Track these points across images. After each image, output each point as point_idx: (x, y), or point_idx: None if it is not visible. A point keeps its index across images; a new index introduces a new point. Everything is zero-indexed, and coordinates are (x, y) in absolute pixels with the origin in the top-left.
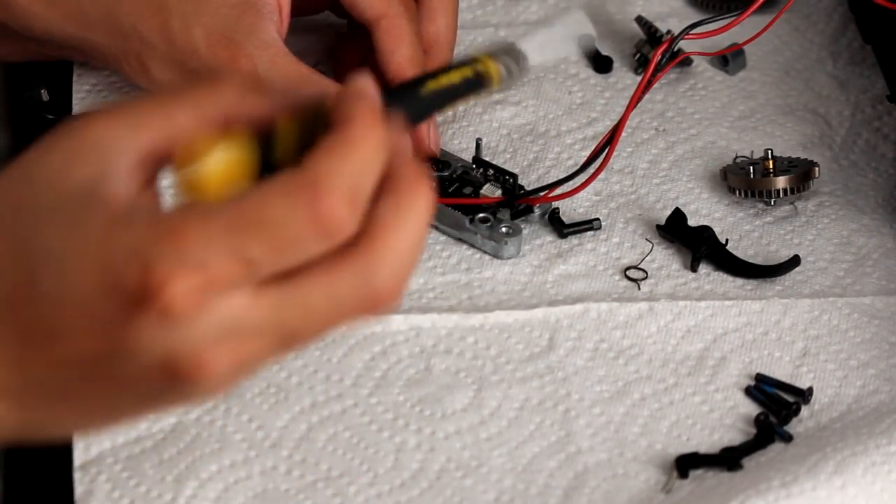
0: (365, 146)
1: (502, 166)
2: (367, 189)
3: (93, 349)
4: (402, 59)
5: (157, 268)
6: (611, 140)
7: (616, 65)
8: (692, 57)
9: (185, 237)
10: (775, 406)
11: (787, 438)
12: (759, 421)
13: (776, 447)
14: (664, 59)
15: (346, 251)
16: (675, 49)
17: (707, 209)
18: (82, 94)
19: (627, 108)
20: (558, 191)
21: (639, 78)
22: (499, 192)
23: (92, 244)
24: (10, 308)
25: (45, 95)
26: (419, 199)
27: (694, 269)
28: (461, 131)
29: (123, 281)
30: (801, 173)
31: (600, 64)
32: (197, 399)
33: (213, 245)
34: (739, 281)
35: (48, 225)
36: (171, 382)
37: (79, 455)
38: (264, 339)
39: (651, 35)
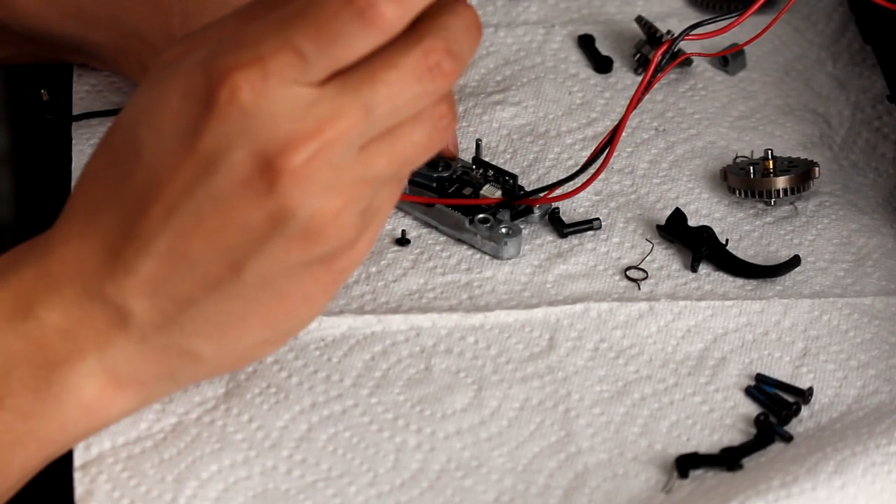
0: None
1: (502, 167)
2: None
3: (186, 176)
4: None
5: (218, 65)
6: (611, 141)
7: (616, 65)
8: (692, 57)
9: (242, 36)
10: (775, 406)
11: (787, 438)
12: (759, 421)
13: (776, 447)
14: (664, 60)
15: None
16: (676, 49)
17: (707, 209)
18: (82, 94)
19: (627, 108)
20: (558, 192)
21: (639, 78)
22: (498, 193)
23: (177, 78)
24: (116, 191)
25: (44, 96)
26: (470, 9)
27: (694, 269)
28: (461, 132)
29: (196, 90)
30: (801, 173)
31: (600, 64)
32: (309, 219)
33: (266, 37)
34: (739, 281)
35: (143, 92)
36: (267, 182)
37: (79, 455)
38: (343, 118)
39: (651, 35)
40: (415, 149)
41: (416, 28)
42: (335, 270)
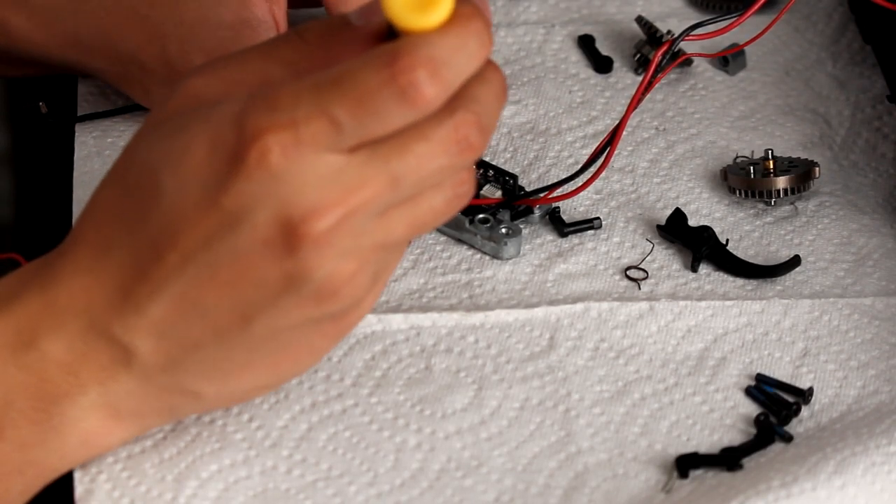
0: (455, 30)
1: (503, 165)
2: (454, 66)
3: (207, 228)
4: None
5: (251, 123)
6: (611, 141)
7: (616, 65)
8: (692, 57)
9: (277, 97)
10: (775, 406)
11: (787, 439)
12: (759, 421)
13: (776, 447)
14: (665, 60)
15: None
16: (676, 50)
17: (707, 209)
18: (86, 96)
19: (628, 109)
20: (558, 191)
21: (639, 78)
22: (499, 193)
23: (205, 128)
24: (130, 230)
25: (43, 108)
26: (498, 72)
27: (694, 269)
28: None
29: (225, 144)
30: (802, 173)
31: (600, 64)
32: (329, 284)
33: (301, 102)
34: (740, 281)
35: (167, 133)
36: (288, 245)
37: None
38: (369, 187)
39: (651, 35)
40: (433, 215)
41: (448, 98)
42: (341, 325)
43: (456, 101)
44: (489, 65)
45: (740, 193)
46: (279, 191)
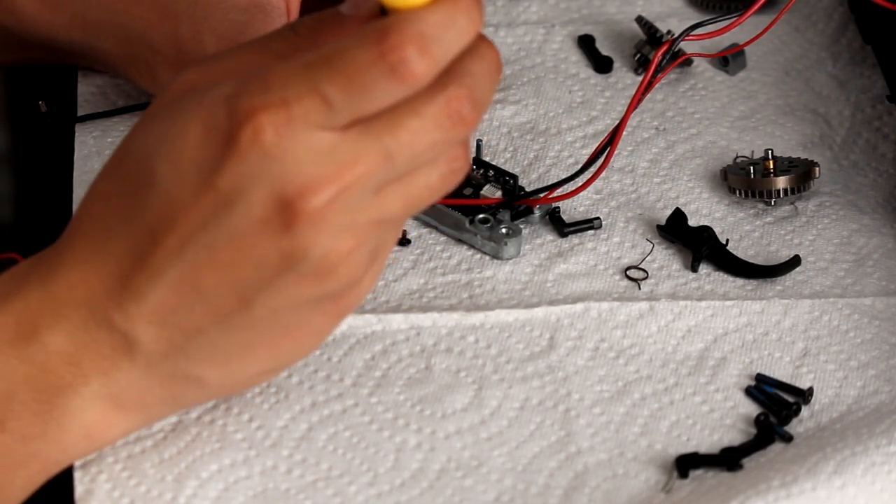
0: (443, 6)
1: (503, 165)
2: (443, 42)
3: (203, 210)
4: None
5: (243, 104)
6: (611, 141)
7: (616, 65)
8: (692, 57)
9: (268, 78)
10: (775, 406)
11: (787, 439)
12: (759, 421)
13: (776, 447)
14: (665, 60)
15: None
16: (676, 50)
17: (707, 209)
18: (87, 96)
19: (628, 109)
20: (558, 192)
21: (639, 78)
22: (499, 193)
23: (198, 111)
24: (127, 220)
25: (42, 107)
26: (492, 48)
27: (694, 269)
28: None
29: (218, 126)
30: (802, 173)
31: (600, 64)
32: (328, 262)
33: (292, 81)
34: (740, 281)
35: (161, 120)
36: (284, 223)
37: None
38: (363, 163)
39: (651, 35)
40: (428, 191)
41: (440, 73)
42: (342, 305)
43: (448, 76)
44: (482, 40)
45: (740, 193)
46: (273, 169)
